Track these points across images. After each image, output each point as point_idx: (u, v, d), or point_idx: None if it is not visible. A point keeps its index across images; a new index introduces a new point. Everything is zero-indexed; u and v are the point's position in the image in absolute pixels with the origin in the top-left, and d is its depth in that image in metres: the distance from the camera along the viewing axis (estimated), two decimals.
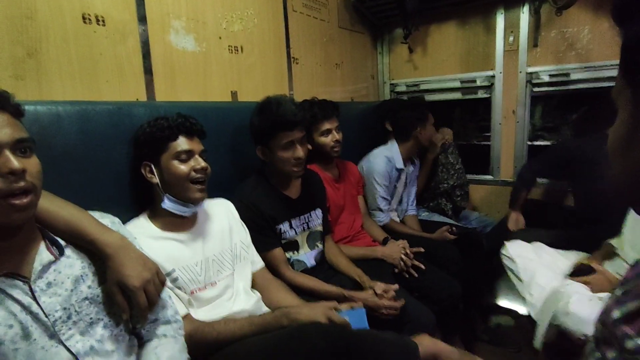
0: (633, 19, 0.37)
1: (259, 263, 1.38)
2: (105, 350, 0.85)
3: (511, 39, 2.36)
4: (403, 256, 1.70)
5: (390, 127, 2.29)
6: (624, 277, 0.55)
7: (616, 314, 0.49)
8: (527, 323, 1.61)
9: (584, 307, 1.31)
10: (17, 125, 0.74)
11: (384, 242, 1.86)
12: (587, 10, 2.08)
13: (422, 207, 2.52)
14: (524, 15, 2.30)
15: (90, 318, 0.84)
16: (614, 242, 1.63)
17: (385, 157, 2.07)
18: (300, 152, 1.44)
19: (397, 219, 2.23)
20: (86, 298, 0.84)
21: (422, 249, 1.76)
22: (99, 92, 1.22)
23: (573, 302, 1.34)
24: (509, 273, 1.76)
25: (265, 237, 1.43)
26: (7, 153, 0.70)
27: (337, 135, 1.76)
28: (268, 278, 1.37)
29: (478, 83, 2.53)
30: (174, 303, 1.03)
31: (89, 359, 0.81)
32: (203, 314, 1.16)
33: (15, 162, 0.70)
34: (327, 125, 1.74)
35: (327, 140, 1.75)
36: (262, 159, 1.48)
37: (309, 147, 1.66)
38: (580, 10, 2.09)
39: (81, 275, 0.85)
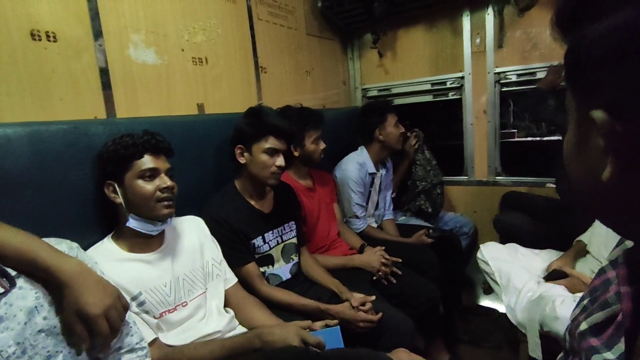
0: (575, 27, 0.37)
1: (232, 280, 1.34)
2: None
3: (478, 40, 2.40)
4: (381, 265, 1.69)
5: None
6: (591, 285, 0.54)
7: (583, 325, 0.48)
8: (507, 321, 1.62)
9: (571, 309, 1.31)
10: None
11: (361, 250, 1.85)
12: (547, 11, 2.13)
13: (401, 210, 2.52)
14: (489, 17, 2.33)
15: (48, 351, 0.79)
16: (584, 239, 1.65)
17: (357, 163, 2.07)
18: (283, 161, 1.45)
19: (375, 225, 2.22)
20: (42, 330, 0.79)
21: (399, 260, 1.75)
22: (52, 111, 1.16)
23: (559, 305, 1.34)
24: (486, 276, 1.77)
25: (238, 253, 1.40)
26: None
27: (323, 144, 1.81)
28: (242, 295, 1.33)
29: (448, 85, 2.56)
30: (139, 329, 0.98)
31: None
32: (173, 338, 1.11)
33: None
34: (317, 133, 1.78)
35: (318, 147, 1.78)
36: (238, 161, 1.45)
37: (296, 153, 1.73)
38: (541, 11, 2.14)
39: (35, 307, 0.80)
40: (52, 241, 0.88)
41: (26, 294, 0.80)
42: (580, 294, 1.39)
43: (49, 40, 1.14)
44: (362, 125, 2.16)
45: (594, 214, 0.43)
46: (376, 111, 2.14)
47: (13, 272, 0.80)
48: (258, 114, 1.45)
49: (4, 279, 0.78)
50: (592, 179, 0.38)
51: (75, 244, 0.94)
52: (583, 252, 1.64)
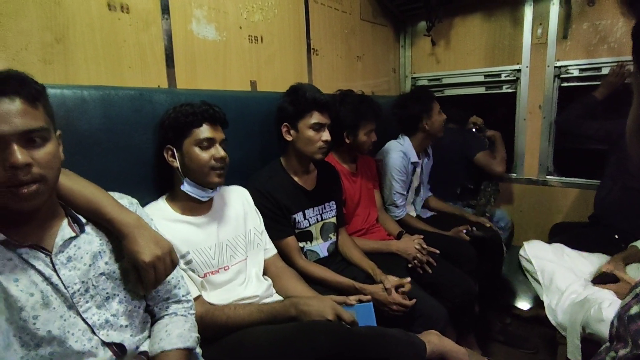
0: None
1: (272, 250, 1.40)
2: (120, 324, 0.89)
3: (539, 31, 2.28)
4: (417, 253, 1.68)
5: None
6: None
7: (635, 309, 0.48)
8: (546, 325, 1.57)
9: None
10: (30, 114, 0.72)
11: (399, 237, 1.85)
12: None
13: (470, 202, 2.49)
14: (554, 7, 2.21)
15: (107, 293, 0.88)
16: (639, 244, 1.57)
17: (400, 152, 2.05)
18: (329, 135, 1.48)
19: (414, 213, 2.21)
20: (103, 273, 0.88)
21: (437, 251, 1.73)
22: (122, 77, 1.25)
23: (606, 308, 1.28)
24: (527, 275, 1.72)
25: (279, 225, 1.45)
26: (13, 146, 0.69)
27: (375, 136, 1.82)
28: (280, 266, 1.39)
29: (503, 77, 2.47)
30: (186, 283, 1.06)
31: (104, 332, 0.85)
32: (215, 297, 1.19)
33: (18, 157, 0.69)
34: (373, 126, 1.79)
35: (369, 140, 1.80)
36: (285, 139, 1.50)
37: (347, 140, 1.75)
38: (614, 0, 2.00)
39: (99, 252, 0.89)
40: (115, 195, 0.97)
41: (92, 240, 0.89)
42: None
43: (122, 12, 1.24)
44: (407, 115, 2.12)
45: None
46: (421, 100, 2.09)
47: (83, 220, 0.89)
48: (300, 91, 1.48)
49: (75, 224, 0.88)
50: None
51: (135, 200, 1.02)
52: (637, 257, 1.55)
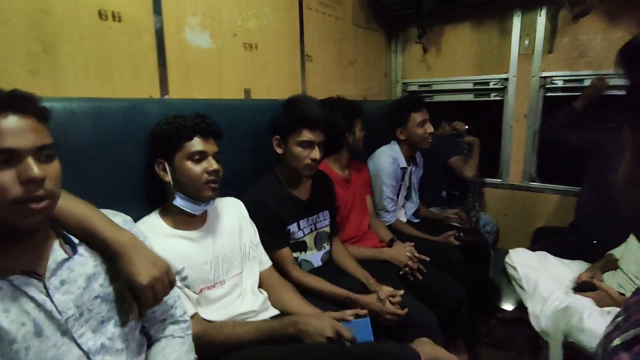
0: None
1: (267, 263, 1.39)
2: (116, 348, 0.86)
3: (526, 42, 2.34)
4: (409, 260, 1.70)
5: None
6: (626, 303, 0.55)
7: (616, 341, 0.50)
8: (530, 327, 1.62)
9: (598, 323, 1.31)
10: (42, 131, 0.73)
11: (390, 244, 1.86)
12: (601, 19, 2.07)
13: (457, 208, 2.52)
14: (541, 19, 2.27)
15: (102, 316, 0.85)
16: (616, 253, 1.63)
17: (390, 157, 2.08)
18: (317, 154, 1.44)
19: (404, 218, 2.23)
20: (98, 296, 0.85)
21: (427, 258, 1.76)
22: (112, 88, 1.21)
23: (587, 317, 1.34)
24: (513, 281, 1.77)
25: (274, 237, 1.44)
26: (29, 160, 0.70)
27: (363, 130, 1.91)
28: (275, 278, 1.38)
29: (491, 85, 2.52)
30: (182, 303, 1.04)
31: (99, 357, 0.82)
32: (211, 313, 1.17)
33: (35, 170, 0.69)
34: (362, 122, 1.87)
35: (361, 134, 1.89)
36: (276, 151, 1.49)
37: (350, 140, 1.81)
38: (595, 18, 2.07)
39: (93, 274, 0.85)
40: (109, 213, 0.93)
41: (86, 261, 0.85)
42: (607, 308, 1.40)
43: (114, 20, 1.19)
44: (389, 122, 2.16)
45: None
46: (400, 109, 2.10)
47: (76, 240, 0.85)
48: (294, 105, 1.45)
49: (68, 246, 0.84)
50: None
51: (128, 218, 0.99)
52: (613, 265, 1.62)
